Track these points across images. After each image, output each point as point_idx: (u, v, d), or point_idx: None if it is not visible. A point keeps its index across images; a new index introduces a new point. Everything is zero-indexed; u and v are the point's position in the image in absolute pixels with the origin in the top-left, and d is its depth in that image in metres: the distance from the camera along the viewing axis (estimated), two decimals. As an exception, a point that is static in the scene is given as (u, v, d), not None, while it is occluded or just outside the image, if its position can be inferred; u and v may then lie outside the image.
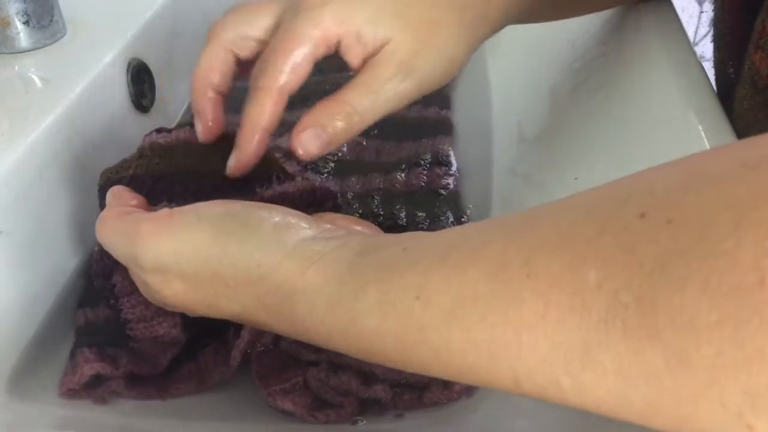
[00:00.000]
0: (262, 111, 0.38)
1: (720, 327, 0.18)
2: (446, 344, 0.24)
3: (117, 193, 0.38)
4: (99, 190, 0.43)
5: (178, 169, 0.41)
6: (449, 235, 0.27)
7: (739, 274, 0.17)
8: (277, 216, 0.32)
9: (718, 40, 0.51)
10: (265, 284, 0.30)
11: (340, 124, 0.38)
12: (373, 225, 0.37)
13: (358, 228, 0.35)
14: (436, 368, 0.25)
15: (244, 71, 0.42)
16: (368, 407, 0.37)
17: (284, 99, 0.39)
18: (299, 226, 0.32)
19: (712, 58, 0.53)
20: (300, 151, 0.38)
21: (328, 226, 0.33)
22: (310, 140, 0.38)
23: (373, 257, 0.28)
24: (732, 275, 0.18)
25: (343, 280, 0.28)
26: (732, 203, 0.18)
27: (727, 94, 0.47)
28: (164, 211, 0.33)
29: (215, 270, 0.31)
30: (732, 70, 0.48)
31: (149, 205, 0.39)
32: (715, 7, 0.51)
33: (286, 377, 0.38)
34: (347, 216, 0.39)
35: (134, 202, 0.38)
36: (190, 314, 0.35)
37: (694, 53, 0.48)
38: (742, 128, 0.45)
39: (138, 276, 0.35)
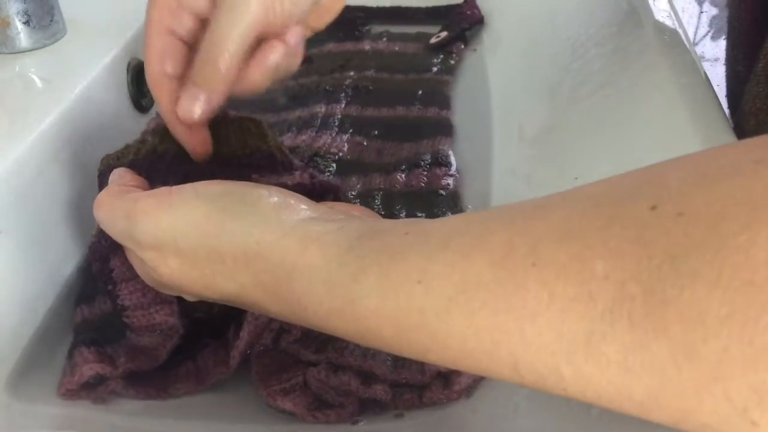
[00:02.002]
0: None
1: (729, 322, 0.18)
2: (446, 329, 0.24)
3: (118, 173, 0.38)
4: (99, 176, 0.43)
5: (176, 151, 0.41)
6: (452, 221, 0.26)
7: (752, 269, 0.17)
8: (276, 196, 0.32)
9: (732, 38, 0.51)
10: (263, 262, 0.30)
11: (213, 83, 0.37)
12: (371, 211, 0.37)
13: (357, 213, 0.35)
14: (433, 354, 0.25)
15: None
16: (368, 407, 0.37)
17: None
18: (298, 206, 0.32)
19: (725, 56, 0.53)
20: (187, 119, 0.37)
21: (328, 209, 0.33)
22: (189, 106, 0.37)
23: (374, 240, 0.28)
24: (745, 271, 0.17)
25: (343, 262, 0.28)
26: (746, 199, 0.18)
27: (737, 91, 0.47)
28: (163, 189, 0.33)
29: (212, 247, 0.31)
30: (742, 68, 0.48)
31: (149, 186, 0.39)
32: (730, 5, 0.51)
33: (286, 377, 0.38)
34: (346, 203, 0.39)
35: (134, 182, 0.38)
36: (186, 296, 0.35)
37: (694, 53, 0.48)
38: (753, 126, 0.45)
39: (134, 254, 0.35)
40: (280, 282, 0.29)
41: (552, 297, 0.21)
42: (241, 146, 0.41)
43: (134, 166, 0.41)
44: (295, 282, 0.29)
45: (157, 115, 0.44)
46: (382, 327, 0.26)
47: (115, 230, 0.35)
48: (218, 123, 0.41)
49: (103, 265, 0.40)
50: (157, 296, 0.39)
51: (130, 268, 0.37)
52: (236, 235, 0.31)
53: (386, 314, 0.26)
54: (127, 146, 0.43)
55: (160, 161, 0.41)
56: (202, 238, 0.31)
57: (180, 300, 0.38)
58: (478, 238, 0.24)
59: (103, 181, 0.42)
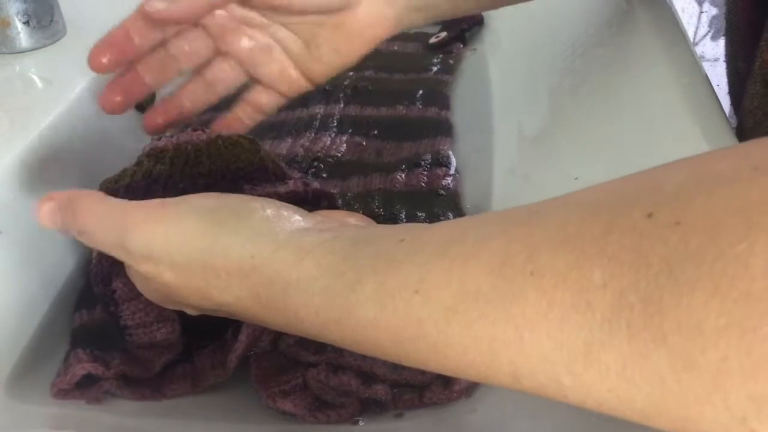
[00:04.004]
0: None
1: (727, 332, 0.17)
2: (445, 339, 0.24)
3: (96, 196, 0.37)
4: None
5: (171, 171, 0.41)
6: (448, 228, 0.26)
7: (750, 279, 0.17)
8: (269, 208, 0.32)
9: (730, 35, 0.51)
10: (258, 276, 0.30)
11: None
12: (367, 218, 0.37)
13: (352, 220, 0.35)
14: (432, 363, 0.25)
15: None
16: (368, 407, 0.37)
17: None
18: (292, 218, 0.32)
19: (724, 53, 0.53)
20: None
21: (322, 218, 0.32)
22: None
23: (369, 248, 0.27)
24: (742, 281, 0.17)
25: (339, 271, 0.27)
26: (743, 207, 0.18)
27: (738, 89, 0.47)
28: (155, 201, 0.33)
29: (207, 261, 0.31)
30: (743, 64, 0.48)
31: None
32: (727, 1, 0.51)
33: (285, 379, 0.38)
34: (340, 210, 0.39)
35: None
36: (187, 309, 0.35)
37: (694, 53, 0.48)
38: (751, 125, 0.45)
39: (129, 267, 0.34)
40: (276, 295, 0.29)
41: (551, 306, 0.21)
42: (234, 160, 0.41)
43: (131, 189, 0.41)
44: (291, 295, 0.29)
45: (152, 138, 0.44)
46: (379, 337, 0.26)
47: (104, 239, 0.33)
48: (210, 142, 0.42)
49: (105, 288, 0.41)
50: (159, 315, 0.39)
51: (133, 288, 0.37)
52: (231, 249, 0.31)
53: (384, 324, 0.26)
54: (125, 170, 0.43)
55: (156, 183, 0.41)
56: (195, 253, 0.31)
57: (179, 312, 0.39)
58: (475, 246, 0.24)
59: None
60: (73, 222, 0.34)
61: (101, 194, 0.35)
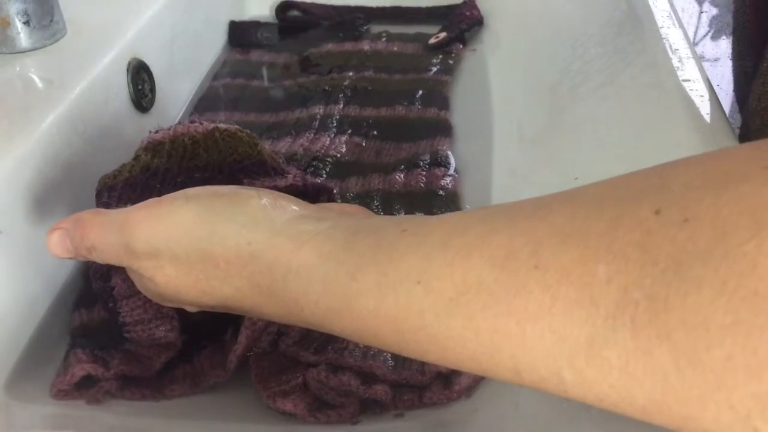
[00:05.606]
0: None
1: (733, 331, 0.17)
2: (446, 331, 0.24)
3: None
4: (96, 196, 0.43)
5: (169, 164, 0.41)
6: (450, 219, 0.26)
7: (758, 278, 0.17)
8: (265, 197, 0.32)
9: (738, 33, 0.51)
10: (256, 263, 0.30)
11: None
12: (364, 208, 0.37)
13: (350, 211, 0.35)
14: (433, 354, 0.25)
15: None
16: (368, 407, 0.37)
17: None
18: (289, 206, 0.32)
19: (731, 51, 0.53)
20: None
21: (320, 208, 0.32)
22: None
23: (370, 238, 0.27)
24: (750, 280, 0.17)
25: (340, 260, 0.27)
26: (753, 206, 0.18)
27: (744, 88, 0.47)
28: (152, 199, 0.33)
29: (205, 250, 0.31)
30: (749, 64, 0.48)
31: None
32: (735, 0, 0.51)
33: (285, 379, 0.38)
34: (340, 203, 0.39)
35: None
36: (186, 306, 0.35)
37: (694, 53, 0.48)
38: (758, 125, 0.45)
39: (130, 268, 0.34)
40: (275, 282, 0.29)
41: (554, 300, 0.21)
42: (231, 152, 0.41)
43: (129, 183, 0.41)
44: (290, 282, 0.29)
45: (149, 132, 0.44)
46: (380, 327, 0.26)
47: (108, 244, 0.34)
48: (207, 134, 0.42)
49: (104, 284, 0.41)
50: (158, 311, 0.39)
51: (131, 285, 0.37)
52: (227, 237, 0.31)
53: (385, 314, 0.26)
54: (123, 165, 0.43)
55: (154, 177, 0.41)
56: (194, 243, 0.31)
57: (179, 311, 0.39)
58: (478, 238, 0.24)
59: (100, 200, 0.42)
60: (82, 240, 0.34)
61: (101, 209, 0.36)
